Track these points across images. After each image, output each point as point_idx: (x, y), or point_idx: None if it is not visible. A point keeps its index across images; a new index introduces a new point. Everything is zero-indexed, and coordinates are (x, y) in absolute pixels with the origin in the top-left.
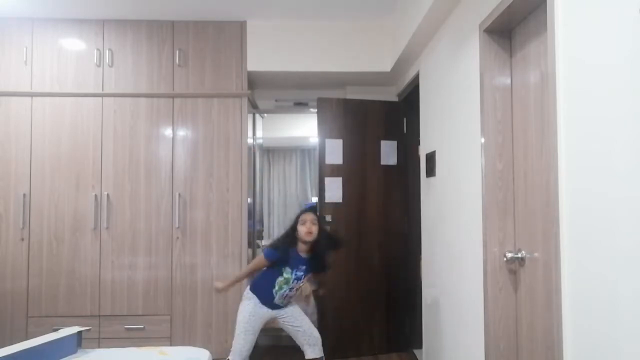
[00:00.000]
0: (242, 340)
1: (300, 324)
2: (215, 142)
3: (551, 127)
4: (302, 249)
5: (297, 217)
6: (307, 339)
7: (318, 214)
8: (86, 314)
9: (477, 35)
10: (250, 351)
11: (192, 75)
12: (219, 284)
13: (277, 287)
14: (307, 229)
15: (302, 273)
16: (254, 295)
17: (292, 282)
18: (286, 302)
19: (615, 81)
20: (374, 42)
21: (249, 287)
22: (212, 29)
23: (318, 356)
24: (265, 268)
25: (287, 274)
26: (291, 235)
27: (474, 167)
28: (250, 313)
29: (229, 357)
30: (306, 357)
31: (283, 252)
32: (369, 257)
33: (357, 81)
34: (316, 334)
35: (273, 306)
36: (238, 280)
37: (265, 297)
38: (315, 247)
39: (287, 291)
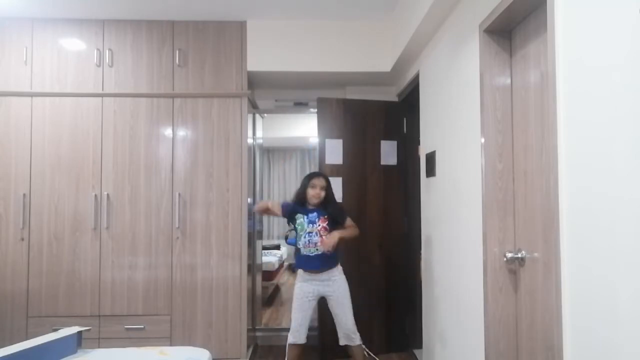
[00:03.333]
0: (293, 318)
1: (338, 312)
2: (215, 142)
3: (551, 127)
4: (310, 205)
5: (308, 180)
6: (341, 328)
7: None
8: (86, 314)
9: (477, 35)
10: (305, 331)
11: (192, 75)
12: (259, 206)
13: (298, 238)
14: (316, 193)
15: (314, 216)
16: (298, 269)
17: (307, 226)
18: (317, 255)
19: (615, 81)
20: (374, 42)
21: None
22: (212, 29)
23: (351, 343)
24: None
25: (300, 218)
26: (301, 194)
27: (474, 167)
28: (297, 292)
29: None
30: (340, 342)
31: (292, 204)
32: (369, 257)
33: (357, 81)
34: (350, 325)
35: (310, 264)
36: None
37: (300, 258)
38: (321, 205)
39: (308, 236)
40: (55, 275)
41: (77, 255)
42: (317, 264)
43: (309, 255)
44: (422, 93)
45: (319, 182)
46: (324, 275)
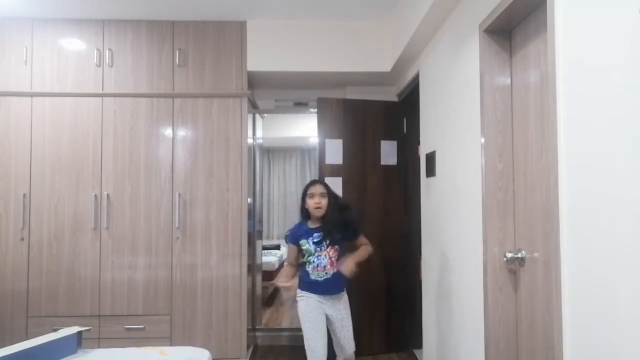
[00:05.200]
0: (311, 337)
1: (341, 336)
2: (215, 142)
3: (551, 127)
4: (313, 222)
5: (305, 190)
6: (342, 353)
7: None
8: (86, 314)
9: (477, 35)
10: (326, 351)
11: (192, 75)
12: (284, 283)
13: (307, 264)
14: (316, 203)
15: (318, 238)
16: (302, 291)
17: (315, 250)
18: (327, 279)
19: (615, 81)
20: (374, 42)
21: (298, 287)
22: (212, 29)
23: None
24: (297, 253)
25: (305, 245)
26: (303, 209)
27: (474, 167)
28: (306, 308)
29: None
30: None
31: (293, 231)
32: (369, 257)
33: (357, 81)
34: (351, 351)
35: (317, 289)
36: (290, 272)
37: (307, 280)
38: (325, 219)
39: (316, 260)
40: (55, 275)
41: (77, 255)
42: (326, 289)
43: (317, 280)
44: (422, 93)
45: (315, 189)
46: (335, 297)
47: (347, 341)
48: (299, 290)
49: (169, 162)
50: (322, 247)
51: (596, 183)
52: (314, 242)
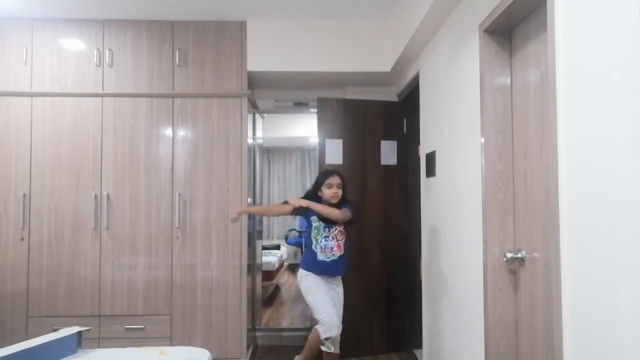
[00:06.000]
0: (323, 308)
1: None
2: (215, 142)
3: (551, 127)
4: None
5: (323, 180)
6: None
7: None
8: (86, 314)
9: (477, 35)
10: (340, 320)
11: (192, 75)
12: (237, 211)
13: (315, 242)
14: (334, 193)
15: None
16: (305, 271)
17: (323, 230)
18: (334, 260)
19: (615, 81)
20: (374, 42)
21: (300, 267)
22: (212, 29)
23: (325, 336)
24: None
25: (315, 222)
26: (313, 196)
27: (474, 167)
28: (314, 284)
29: (319, 327)
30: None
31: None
32: (369, 257)
33: (357, 81)
34: (338, 331)
35: (323, 268)
36: (254, 211)
37: (311, 260)
38: (337, 206)
39: (324, 241)
40: (55, 275)
41: (77, 255)
42: (332, 270)
43: (324, 261)
44: (422, 93)
45: (335, 180)
46: (336, 280)
47: (336, 311)
48: (302, 270)
49: (169, 162)
50: (331, 229)
51: (596, 183)
52: (324, 225)
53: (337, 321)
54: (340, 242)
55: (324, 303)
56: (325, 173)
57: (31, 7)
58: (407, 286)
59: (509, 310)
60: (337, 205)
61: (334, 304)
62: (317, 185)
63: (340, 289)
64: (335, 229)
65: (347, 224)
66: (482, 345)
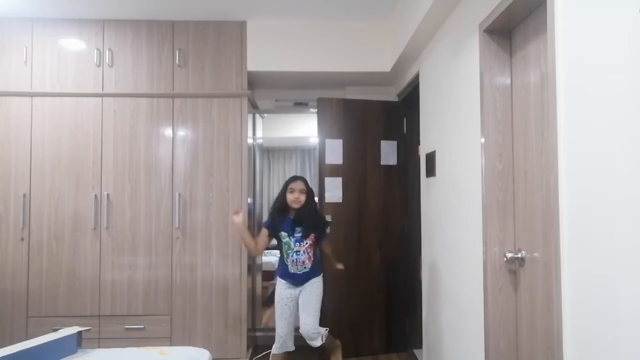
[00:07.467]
0: (277, 324)
1: (302, 309)
2: (215, 142)
3: (551, 127)
4: (290, 213)
5: (286, 185)
6: (302, 329)
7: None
8: (86, 314)
9: (477, 35)
10: (291, 335)
11: (192, 75)
12: (239, 219)
13: (285, 256)
14: (295, 198)
15: (299, 234)
16: (279, 279)
17: (294, 245)
18: (305, 272)
19: (615, 81)
20: (374, 42)
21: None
22: (212, 29)
23: (315, 344)
24: (266, 238)
25: (285, 237)
26: (281, 200)
27: (474, 167)
28: (277, 298)
29: (275, 344)
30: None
31: (272, 218)
32: (369, 257)
33: (357, 81)
34: (310, 327)
35: (295, 280)
36: (246, 237)
37: (284, 271)
38: (299, 211)
39: (295, 255)
40: (55, 275)
41: (77, 255)
42: (304, 279)
43: (296, 273)
44: (422, 93)
45: (297, 185)
46: (307, 283)
47: (306, 316)
48: (277, 278)
49: (169, 162)
50: (302, 244)
51: (596, 183)
52: (295, 239)
53: (285, 329)
54: (310, 254)
55: (280, 319)
56: (290, 178)
57: (31, 7)
58: (407, 286)
59: (509, 310)
60: (301, 212)
61: (291, 314)
62: (283, 191)
63: (313, 286)
64: (306, 243)
65: (318, 238)
66: (482, 345)
